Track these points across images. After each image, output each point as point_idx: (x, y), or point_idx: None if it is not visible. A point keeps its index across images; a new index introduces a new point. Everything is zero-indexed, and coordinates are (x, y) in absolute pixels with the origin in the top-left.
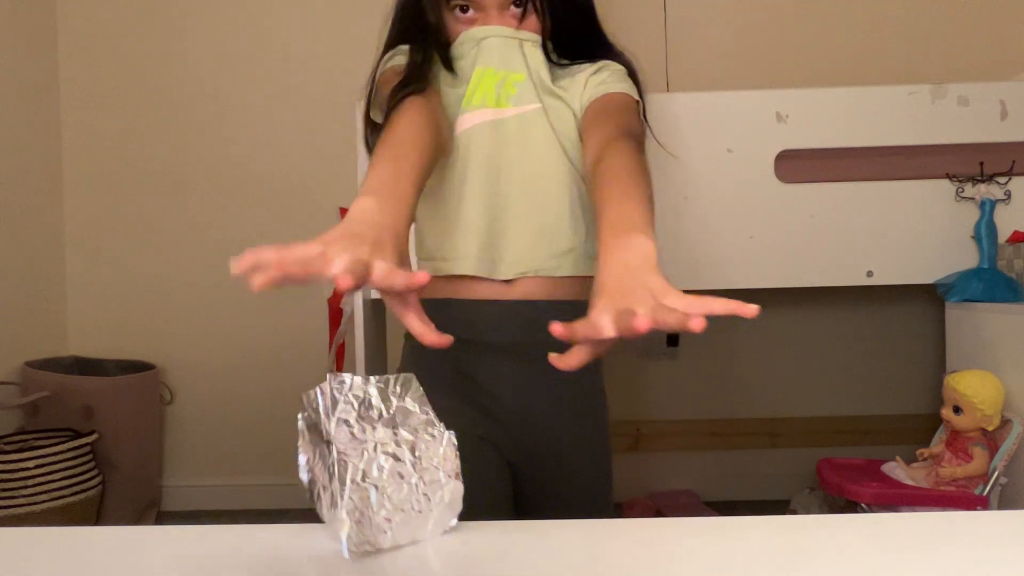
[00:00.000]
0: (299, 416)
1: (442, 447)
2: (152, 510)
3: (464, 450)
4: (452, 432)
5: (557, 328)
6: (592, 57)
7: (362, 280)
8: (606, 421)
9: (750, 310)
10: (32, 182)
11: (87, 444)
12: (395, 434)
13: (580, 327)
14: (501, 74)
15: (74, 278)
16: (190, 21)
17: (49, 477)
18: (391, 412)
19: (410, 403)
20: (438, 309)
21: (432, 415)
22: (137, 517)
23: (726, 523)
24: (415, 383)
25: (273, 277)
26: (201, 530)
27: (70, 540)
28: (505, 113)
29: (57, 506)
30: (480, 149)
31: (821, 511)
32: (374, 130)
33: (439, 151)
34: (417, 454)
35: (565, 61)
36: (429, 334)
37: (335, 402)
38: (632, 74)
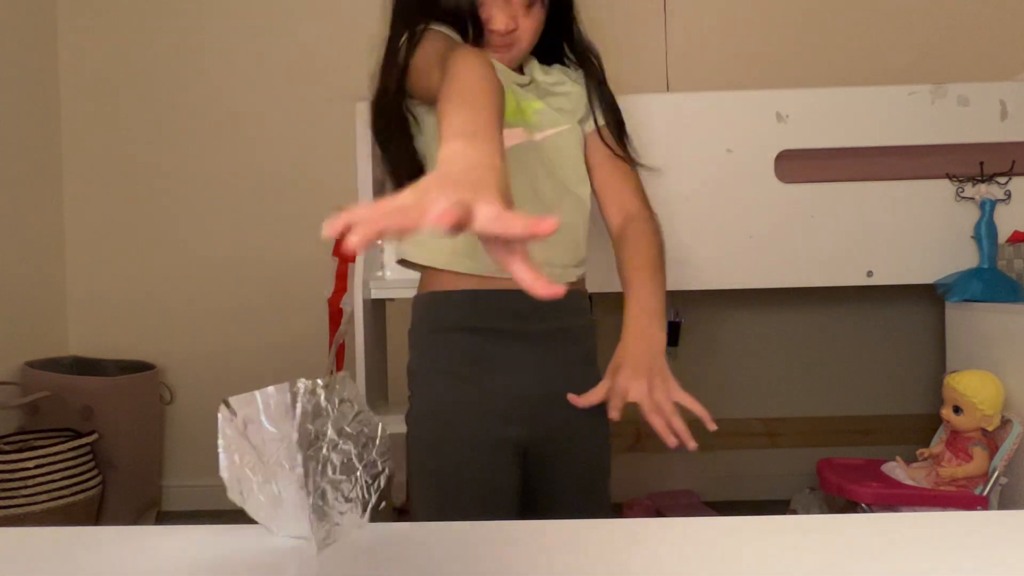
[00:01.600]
0: (220, 416)
1: (378, 436)
2: (152, 510)
3: (477, 451)
4: (381, 422)
5: (577, 400)
6: (567, 51)
7: (464, 223)
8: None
9: (710, 425)
10: (32, 182)
11: (87, 444)
12: (341, 431)
13: (598, 394)
14: (524, 105)
15: (74, 278)
16: (190, 21)
17: (49, 477)
18: (335, 410)
19: (349, 399)
20: (458, 300)
21: (365, 407)
22: (137, 517)
23: (726, 523)
24: (350, 381)
25: (368, 234)
26: (201, 530)
27: (70, 540)
28: (537, 137)
29: (57, 506)
30: (522, 170)
31: (821, 511)
32: (383, 116)
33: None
34: (360, 446)
35: (553, 63)
36: (539, 283)
37: (287, 406)
38: (603, 75)
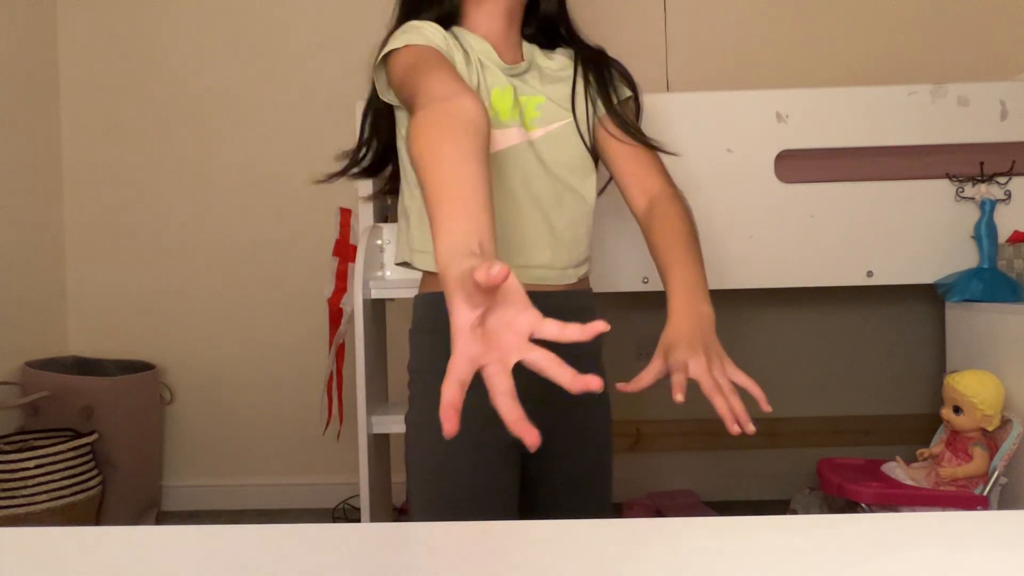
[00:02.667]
0: None
1: None
2: (152, 510)
3: (476, 454)
4: None
5: (626, 386)
6: (561, 37)
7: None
8: (610, 409)
9: (765, 407)
10: (32, 182)
11: (87, 444)
12: None
13: (650, 376)
14: (524, 99)
15: (74, 278)
16: (190, 21)
17: (49, 477)
18: None
19: None
20: None
21: None
22: (137, 517)
23: (726, 523)
24: None
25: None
26: (201, 530)
27: (70, 540)
28: (534, 135)
29: (57, 506)
30: (517, 170)
31: (821, 511)
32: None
33: (487, 146)
34: None
35: (548, 47)
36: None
37: None
38: (612, 61)
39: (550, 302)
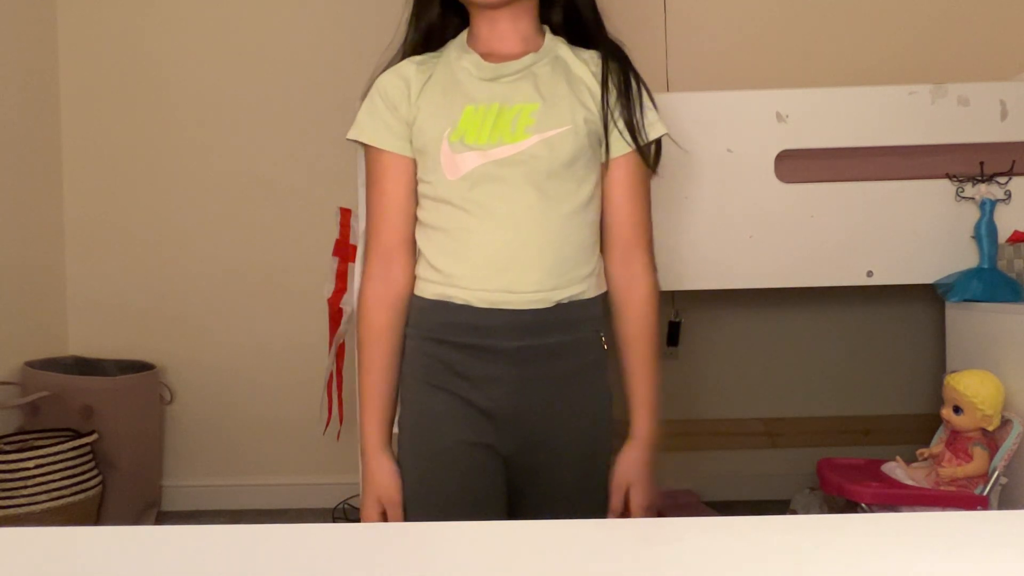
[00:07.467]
0: None
1: None
2: (152, 510)
3: (456, 458)
4: None
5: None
6: (590, 35)
7: None
8: (606, 419)
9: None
10: (32, 182)
11: (87, 444)
12: None
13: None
14: (515, 108)
15: (74, 278)
16: (190, 21)
17: (49, 477)
18: None
19: None
20: (438, 311)
21: None
22: (137, 517)
23: (726, 523)
24: None
25: None
26: (201, 530)
27: (70, 540)
28: (528, 142)
29: (57, 506)
30: (485, 191)
31: (821, 511)
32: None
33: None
34: None
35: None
36: None
37: None
38: (632, 64)
39: (530, 318)
